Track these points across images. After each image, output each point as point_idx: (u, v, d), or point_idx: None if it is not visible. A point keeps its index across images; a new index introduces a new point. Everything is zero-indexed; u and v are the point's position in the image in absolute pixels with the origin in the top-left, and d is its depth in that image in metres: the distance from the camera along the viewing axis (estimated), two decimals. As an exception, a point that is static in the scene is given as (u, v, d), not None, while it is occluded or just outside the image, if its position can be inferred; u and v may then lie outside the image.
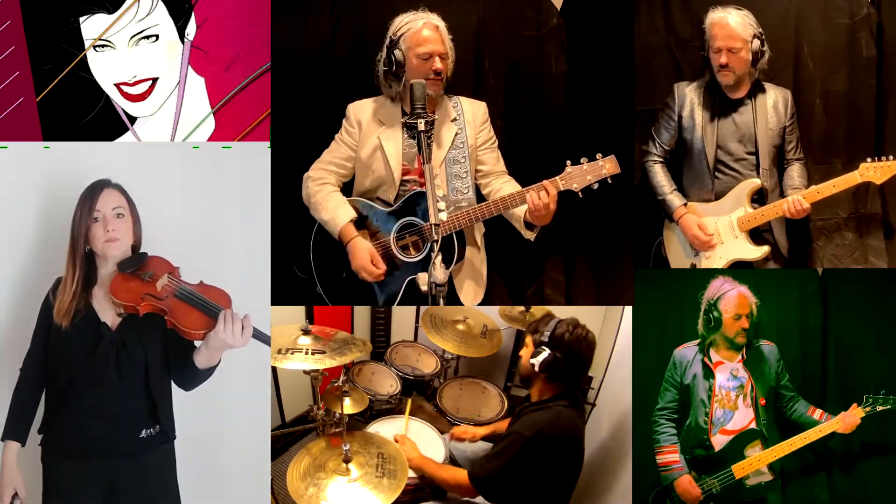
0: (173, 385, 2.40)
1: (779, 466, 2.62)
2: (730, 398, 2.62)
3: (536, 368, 2.40)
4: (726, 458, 2.58)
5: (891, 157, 2.68)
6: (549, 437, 2.34)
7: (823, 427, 2.56)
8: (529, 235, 2.71)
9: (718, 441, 2.60)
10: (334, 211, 2.72)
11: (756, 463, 2.56)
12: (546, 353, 2.39)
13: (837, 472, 2.75)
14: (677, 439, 2.66)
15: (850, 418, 2.54)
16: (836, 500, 2.75)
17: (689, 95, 2.90)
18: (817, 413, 2.62)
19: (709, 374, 2.64)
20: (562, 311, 2.57)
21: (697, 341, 2.70)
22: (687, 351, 2.71)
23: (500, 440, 2.46)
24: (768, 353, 2.66)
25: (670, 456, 2.64)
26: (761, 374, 2.63)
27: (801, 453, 2.63)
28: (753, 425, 2.59)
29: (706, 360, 2.66)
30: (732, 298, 2.61)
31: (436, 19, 2.69)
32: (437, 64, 2.64)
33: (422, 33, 2.65)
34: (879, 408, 2.53)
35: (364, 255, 2.68)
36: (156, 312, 2.26)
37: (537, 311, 3.19)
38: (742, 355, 2.64)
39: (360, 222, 2.74)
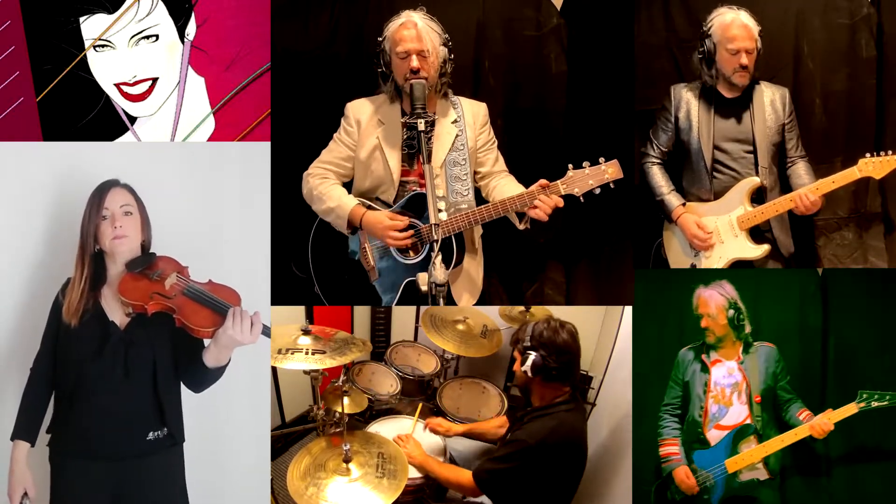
0: (181, 388, 2.40)
1: (778, 466, 2.63)
2: (724, 394, 2.65)
3: (529, 374, 2.41)
4: (721, 452, 2.61)
5: (890, 152, 2.66)
6: (553, 444, 2.35)
7: (798, 430, 2.56)
8: (523, 226, 2.64)
9: (713, 436, 2.65)
10: (339, 199, 2.69)
11: (748, 458, 2.58)
12: (533, 355, 2.40)
13: (836, 473, 2.74)
14: (679, 433, 2.72)
15: (820, 424, 2.53)
16: (833, 501, 2.75)
17: (685, 97, 2.90)
18: (803, 415, 2.62)
19: (705, 370, 2.69)
20: (562, 312, 2.57)
21: (700, 342, 2.73)
22: (689, 351, 2.76)
23: (505, 445, 2.49)
24: (767, 355, 2.67)
25: (670, 448, 2.71)
26: (757, 374, 2.65)
27: (799, 453, 2.65)
28: (748, 421, 2.62)
29: (704, 357, 2.70)
30: (696, 298, 2.70)
31: (417, 17, 2.62)
32: (414, 63, 2.58)
33: (400, 32, 2.61)
34: (874, 404, 2.52)
35: (386, 222, 2.63)
36: (165, 311, 2.25)
37: (537, 311, 3.19)
38: (739, 355, 2.67)
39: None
